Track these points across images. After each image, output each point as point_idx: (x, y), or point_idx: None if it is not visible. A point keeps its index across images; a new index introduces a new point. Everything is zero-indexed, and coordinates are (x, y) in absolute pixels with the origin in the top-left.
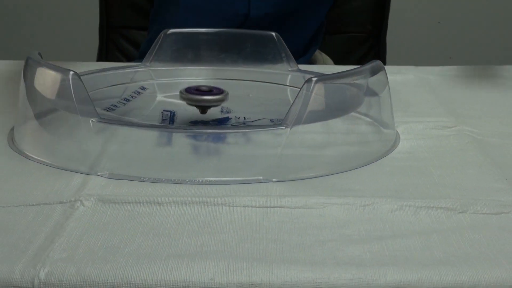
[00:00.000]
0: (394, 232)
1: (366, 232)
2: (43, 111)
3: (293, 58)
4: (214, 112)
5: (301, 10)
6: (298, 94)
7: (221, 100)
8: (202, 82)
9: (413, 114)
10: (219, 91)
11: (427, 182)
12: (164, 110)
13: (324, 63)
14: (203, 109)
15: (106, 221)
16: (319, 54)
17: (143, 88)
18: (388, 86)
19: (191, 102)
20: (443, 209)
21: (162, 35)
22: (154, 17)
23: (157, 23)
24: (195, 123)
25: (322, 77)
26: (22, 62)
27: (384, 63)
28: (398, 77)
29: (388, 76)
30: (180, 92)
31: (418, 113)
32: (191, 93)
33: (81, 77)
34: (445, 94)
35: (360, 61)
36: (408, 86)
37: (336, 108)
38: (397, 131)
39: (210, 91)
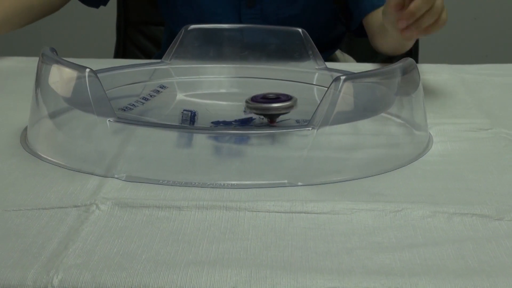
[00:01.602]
0: (426, 240)
1: (396, 239)
2: (58, 110)
3: (320, 55)
4: (236, 113)
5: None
6: (325, 93)
7: (291, 107)
8: (224, 80)
9: (447, 115)
10: (287, 98)
11: (461, 187)
12: (184, 110)
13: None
14: (272, 118)
15: (123, 226)
16: (340, 53)
17: (162, 87)
18: (421, 86)
19: (259, 111)
20: (478, 216)
21: (183, 31)
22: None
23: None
24: (216, 123)
25: (351, 76)
26: (36, 59)
27: (417, 61)
28: (431, 76)
29: (420, 75)
30: (246, 101)
31: (452, 114)
32: (258, 101)
33: (98, 75)
34: (481, 94)
35: (390, 59)
36: (441, 86)
37: (365, 109)
38: (429, 133)
39: (277, 98)
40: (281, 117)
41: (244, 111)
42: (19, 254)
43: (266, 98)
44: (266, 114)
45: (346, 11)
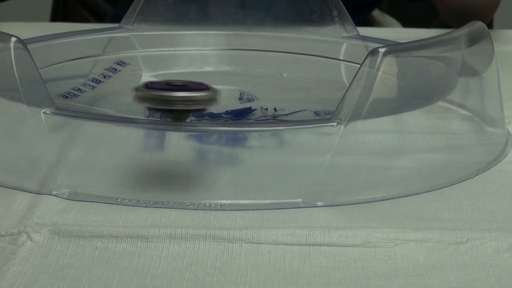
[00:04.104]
0: (503, 284)
1: (459, 283)
2: None
3: (350, 18)
4: (228, 100)
5: None
6: (357, 73)
7: (206, 101)
8: (211, 54)
9: None
10: (202, 87)
11: None
12: None
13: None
14: (177, 116)
15: (66, 264)
16: (379, 14)
17: (121, 63)
18: (495, 61)
19: (151, 103)
20: None
21: None
22: None
23: None
24: (199, 116)
25: (394, 47)
26: None
27: (490, 26)
28: (511, 47)
29: (494, 46)
30: (136, 89)
31: None
32: (154, 88)
33: (28, 46)
34: None
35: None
36: None
37: (414, 95)
38: (508, 130)
39: (184, 86)
40: (291, 108)
41: (240, 99)
42: None
43: (170, 85)
44: (163, 109)
45: None
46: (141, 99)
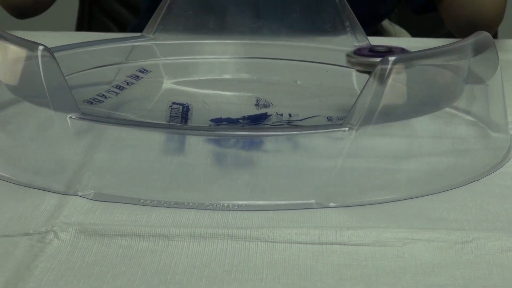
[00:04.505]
0: (506, 281)
1: (464, 280)
2: (0, 103)
3: (361, 27)
4: (245, 107)
5: None
6: (368, 80)
7: None
8: (229, 62)
9: None
10: (402, 52)
11: None
12: (173, 103)
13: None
14: None
15: (91, 261)
16: (389, 25)
17: (143, 71)
18: (500, 70)
19: (364, 68)
20: None
21: None
22: None
23: None
24: (218, 121)
25: (403, 56)
26: None
27: (494, 36)
28: None
29: (499, 55)
30: (347, 55)
31: None
32: (364, 55)
33: (55, 54)
34: None
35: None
36: None
37: (422, 102)
38: (511, 135)
39: (390, 51)
40: (305, 114)
41: (256, 105)
42: None
43: (373, 51)
44: (369, 72)
45: None
46: (352, 64)
